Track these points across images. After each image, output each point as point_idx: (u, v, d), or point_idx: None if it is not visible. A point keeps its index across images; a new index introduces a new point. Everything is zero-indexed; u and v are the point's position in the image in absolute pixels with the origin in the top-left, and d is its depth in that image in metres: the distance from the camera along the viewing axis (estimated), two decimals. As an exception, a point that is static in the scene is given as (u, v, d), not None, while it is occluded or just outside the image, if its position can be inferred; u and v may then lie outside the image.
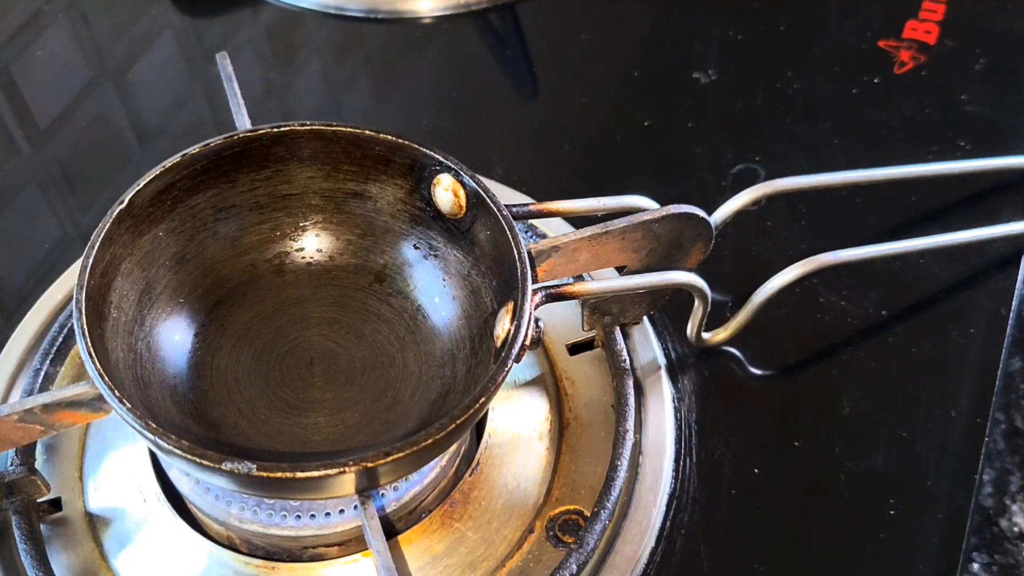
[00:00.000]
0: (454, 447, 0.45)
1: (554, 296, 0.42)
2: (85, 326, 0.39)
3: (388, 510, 0.43)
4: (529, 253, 0.42)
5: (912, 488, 0.46)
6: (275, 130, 0.45)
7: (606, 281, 0.46)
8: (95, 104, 0.66)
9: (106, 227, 0.42)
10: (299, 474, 0.36)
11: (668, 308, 0.51)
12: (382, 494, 0.43)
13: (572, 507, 0.45)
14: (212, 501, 0.44)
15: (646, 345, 0.50)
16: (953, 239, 0.53)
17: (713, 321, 0.49)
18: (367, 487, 0.39)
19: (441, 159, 0.45)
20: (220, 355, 0.45)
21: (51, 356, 0.50)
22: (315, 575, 0.44)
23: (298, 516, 0.43)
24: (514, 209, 0.44)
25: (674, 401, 0.49)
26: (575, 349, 0.51)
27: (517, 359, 0.40)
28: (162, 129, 0.65)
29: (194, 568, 0.44)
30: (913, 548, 0.45)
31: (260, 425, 0.43)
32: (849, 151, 0.59)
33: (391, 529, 0.44)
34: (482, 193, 0.44)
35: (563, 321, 0.51)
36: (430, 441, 0.37)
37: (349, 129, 0.45)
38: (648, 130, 0.62)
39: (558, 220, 0.54)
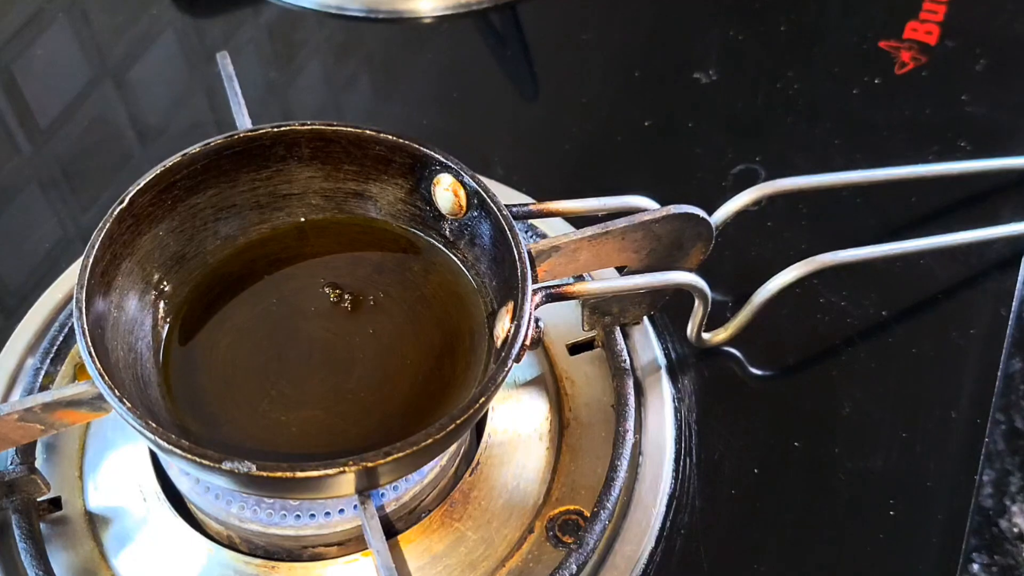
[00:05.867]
0: (454, 447, 0.45)
1: (554, 296, 0.42)
2: (85, 326, 0.39)
3: (388, 510, 0.43)
4: (529, 253, 0.42)
5: (912, 488, 0.46)
6: (275, 130, 0.45)
7: (606, 281, 0.46)
8: (96, 104, 0.66)
9: (107, 226, 0.42)
10: (299, 474, 0.36)
11: (668, 308, 0.51)
12: (382, 494, 0.43)
13: (572, 507, 0.45)
14: (212, 500, 0.44)
15: (646, 345, 0.50)
16: (953, 240, 0.53)
17: (713, 321, 0.49)
18: (367, 487, 0.39)
19: (441, 159, 0.45)
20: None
21: (51, 355, 0.50)
22: (315, 575, 0.44)
23: (298, 515, 0.43)
24: (514, 209, 0.44)
25: (674, 401, 0.49)
26: (575, 349, 0.51)
27: (517, 359, 0.40)
28: (162, 129, 0.65)
29: (194, 567, 0.44)
30: (913, 548, 0.45)
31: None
32: (849, 151, 0.59)
33: (391, 529, 0.44)
34: (482, 193, 0.44)
35: (563, 321, 0.51)
36: (430, 441, 0.37)
37: (349, 129, 0.45)
38: (648, 130, 0.62)
39: (558, 220, 0.54)
